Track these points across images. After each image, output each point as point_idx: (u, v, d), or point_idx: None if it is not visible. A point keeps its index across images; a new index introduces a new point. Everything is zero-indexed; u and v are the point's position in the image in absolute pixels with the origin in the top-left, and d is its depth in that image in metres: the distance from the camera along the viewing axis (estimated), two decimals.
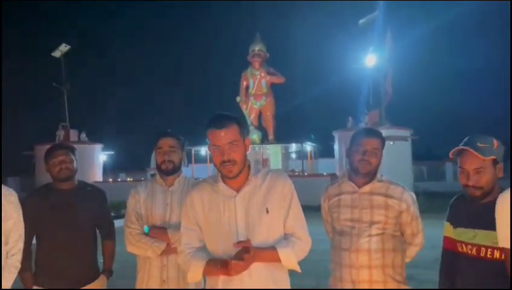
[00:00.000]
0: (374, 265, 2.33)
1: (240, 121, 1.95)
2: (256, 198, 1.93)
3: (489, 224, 1.85)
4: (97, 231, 2.93)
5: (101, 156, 24.06)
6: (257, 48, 23.98)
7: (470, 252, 2.02)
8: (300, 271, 1.96)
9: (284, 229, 1.97)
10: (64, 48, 23.43)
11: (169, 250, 2.48)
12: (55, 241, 2.71)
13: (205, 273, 1.90)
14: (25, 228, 2.68)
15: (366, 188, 2.43)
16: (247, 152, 1.96)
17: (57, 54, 23.42)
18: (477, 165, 1.98)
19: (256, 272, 1.86)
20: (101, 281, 2.83)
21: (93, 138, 23.89)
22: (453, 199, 2.24)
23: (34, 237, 2.78)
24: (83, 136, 23.37)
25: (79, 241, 2.74)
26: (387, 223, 2.38)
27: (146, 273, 2.56)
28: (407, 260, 2.51)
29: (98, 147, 23.81)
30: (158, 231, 2.53)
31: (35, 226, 2.73)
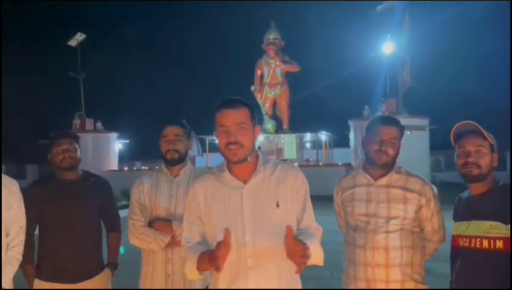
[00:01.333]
0: (391, 264, 2.18)
1: (252, 107, 1.83)
2: (266, 190, 1.79)
3: (482, 214, 1.96)
4: (102, 223, 2.84)
5: (116, 144, 24.19)
6: (272, 36, 23.74)
7: (464, 244, 2.02)
8: (322, 264, 1.81)
9: (299, 224, 1.83)
10: (79, 36, 23.49)
11: (174, 243, 2.36)
12: (58, 233, 2.62)
13: (199, 268, 1.75)
14: (27, 218, 2.60)
15: (383, 180, 2.27)
16: (256, 140, 1.82)
17: (72, 42, 23.50)
18: (478, 144, 2.01)
19: (265, 271, 1.71)
20: (105, 275, 2.74)
21: (109, 127, 24.00)
22: (457, 198, 2.19)
23: (37, 229, 2.70)
24: (99, 125, 23.49)
25: (83, 233, 2.64)
26: (406, 219, 2.22)
27: (150, 266, 2.46)
28: (427, 257, 2.35)
29: (114, 135, 23.92)
30: (162, 223, 2.42)
31: (38, 217, 2.65)
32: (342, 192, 2.40)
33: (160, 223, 2.42)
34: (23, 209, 2.54)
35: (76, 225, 2.62)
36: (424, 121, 19.16)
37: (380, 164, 2.25)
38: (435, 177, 17.44)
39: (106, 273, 2.75)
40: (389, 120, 2.35)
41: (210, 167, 2.00)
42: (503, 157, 20.68)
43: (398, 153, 2.29)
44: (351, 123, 20.75)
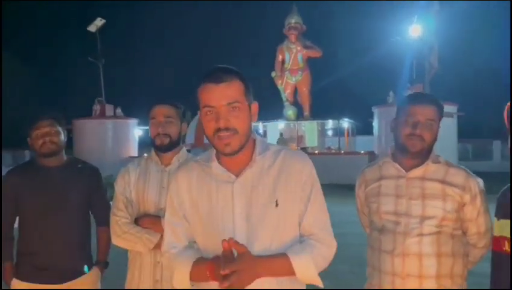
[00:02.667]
0: (425, 274, 1.76)
1: (245, 78, 1.42)
2: (263, 185, 1.41)
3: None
4: (91, 215, 2.51)
5: (136, 131, 24.12)
6: (293, 20, 23.21)
7: (509, 249, 1.59)
8: (321, 285, 1.43)
9: (299, 229, 1.44)
10: (99, 22, 23.33)
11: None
12: (39, 228, 2.31)
13: (193, 279, 1.39)
14: (4, 209, 2.34)
15: (417, 171, 1.84)
16: (253, 122, 1.43)
17: (92, 28, 23.38)
18: None
19: (260, 285, 1.33)
20: (93, 274, 2.42)
21: (129, 113, 23.92)
22: (501, 191, 1.70)
23: (17, 222, 2.39)
24: (119, 111, 23.42)
25: (68, 227, 2.32)
26: (445, 219, 1.79)
27: (137, 270, 2.11)
28: (469, 266, 1.92)
29: (134, 122, 23.83)
30: (150, 220, 2.06)
31: (16, 210, 2.34)
32: (365, 185, 1.98)
33: (148, 220, 2.06)
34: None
35: (60, 218, 2.31)
36: (452, 108, 18.34)
37: (413, 151, 1.82)
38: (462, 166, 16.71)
39: (94, 272, 2.43)
40: (425, 98, 1.90)
41: (193, 157, 1.60)
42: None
43: (435, 139, 1.86)
44: (374, 110, 20.10)
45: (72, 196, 2.35)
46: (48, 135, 2.31)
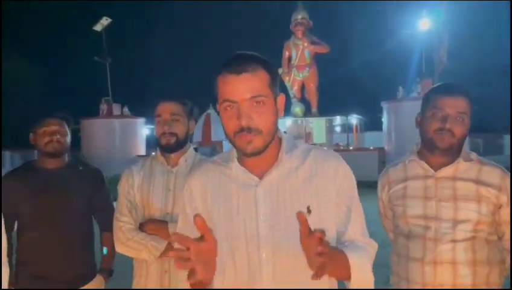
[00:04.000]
0: (460, 284, 1.60)
1: (271, 66, 1.22)
2: (291, 188, 1.23)
3: None
4: (94, 220, 2.38)
5: (143, 130, 24.09)
6: (300, 16, 23.00)
7: None
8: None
9: (340, 238, 1.26)
10: (105, 21, 23.28)
11: (171, 251, 1.84)
12: (38, 233, 2.18)
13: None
14: (3, 215, 2.20)
15: (447, 170, 1.67)
16: (280, 117, 1.24)
17: (98, 27, 23.34)
18: None
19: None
20: (97, 283, 2.28)
21: (136, 112, 23.88)
22: None
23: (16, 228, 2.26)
24: (126, 110, 23.37)
25: (69, 233, 2.20)
26: (480, 223, 1.62)
27: (143, 279, 1.96)
28: (505, 273, 1.75)
29: (141, 121, 23.77)
30: (156, 225, 1.91)
31: (15, 214, 2.21)
32: (389, 186, 1.82)
33: (153, 225, 1.91)
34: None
35: (59, 223, 2.18)
36: None
37: (443, 148, 1.65)
38: None
39: (98, 280, 2.29)
40: (455, 88, 1.72)
41: (209, 158, 1.42)
42: None
43: (467, 134, 1.69)
44: (384, 105, 19.83)
45: (73, 200, 2.23)
46: (56, 133, 2.20)
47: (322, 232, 1.00)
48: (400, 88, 19.20)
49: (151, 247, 1.88)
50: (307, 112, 23.03)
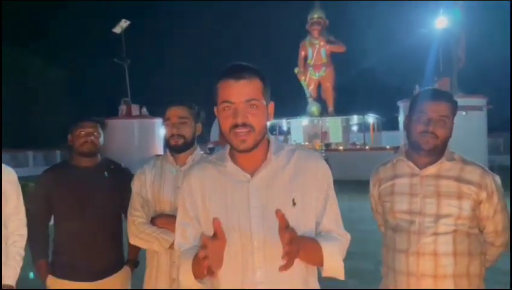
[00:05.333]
0: (441, 274, 1.74)
1: (265, 77, 1.42)
2: (278, 184, 1.41)
3: None
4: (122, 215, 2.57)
5: (161, 130, 24.48)
6: (316, 15, 23.05)
7: None
8: (343, 278, 1.44)
9: (317, 227, 1.46)
10: (124, 23, 23.75)
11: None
12: (72, 227, 2.37)
13: (196, 275, 1.38)
14: (40, 209, 2.43)
15: (431, 169, 1.82)
16: (269, 121, 1.44)
17: (117, 30, 23.82)
18: None
19: (276, 285, 1.36)
20: (124, 273, 2.46)
21: (154, 113, 24.28)
22: None
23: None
24: (144, 110, 23.82)
25: (100, 227, 2.37)
26: (461, 217, 1.76)
27: (154, 270, 2.15)
28: (487, 265, 1.89)
29: (159, 121, 24.10)
30: (166, 219, 2.08)
31: (50, 209, 2.43)
32: (379, 184, 1.97)
33: (163, 220, 2.09)
34: (22, 201, 2.34)
35: (90, 217, 2.35)
36: (481, 101, 17.79)
37: (427, 149, 1.80)
38: (493, 160, 16.20)
39: (125, 271, 2.48)
40: (437, 94, 1.87)
41: (206, 157, 1.61)
42: None
43: (449, 136, 1.82)
44: (400, 104, 19.69)
45: (104, 197, 2.39)
46: (90, 135, 2.39)
47: (293, 231, 1.23)
48: (417, 87, 19.03)
49: (162, 239, 2.06)
50: (323, 112, 23.03)
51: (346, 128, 24.08)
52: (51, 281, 2.40)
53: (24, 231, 2.34)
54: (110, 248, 2.44)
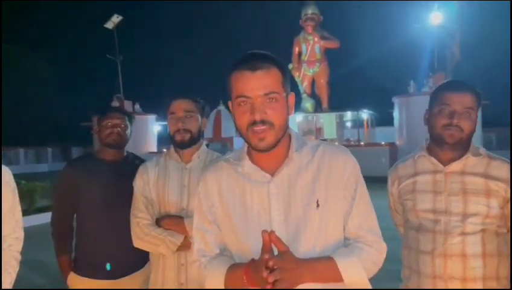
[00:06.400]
0: (470, 276, 1.63)
1: (283, 65, 1.27)
2: (301, 184, 1.28)
3: None
4: None
5: (155, 126, 24.27)
6: (310, 11, 22.90)
7: None
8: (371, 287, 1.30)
9: (344, 231, 1.32)
10: (116, 18, 23.46)
11: (187, 245, 1.90)
12: (95, 222, 2.26)
13: (228, 286, 1.27)
14: (64, 203, 2.33)
15: (456, 165, 1.70)
16: (291, 115, 1.30)
17: (109, 25, 23.53)
18: None
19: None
20: (147, 271, 2.30)
21: (147, 109, 24.06)
22: None
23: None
24: (137, 107, 23.60)
25: (123, 223, 2.18)
26: (489, 216, 1.65)
27: (160, 274, 2.01)
28: None
29: (152, 117, 23.99)
30: (173, 221, 1.96)
31: (73, 202, 2.31)
32: (399, 181, 1.85)
33: (169, 221, 1.96)
34: (18, 201, 2.19)
35: (114, 213, 2.23)
36: None
37: (451, 143, 1.68)
38: None
39: (148, 269, 2.33)
40: (461, 85, 1.75)
41: (221, 156, 1.47)
42: None
43: (474, 129, 1.71)
44: (395, 100, 19.70)
45: (127, 191, 2.22)
46: (117, 126, 2.30)
47: (285, 256, 1.14)
48: (412, 83, 19.04)
49: (169, 242, 1.92)
50: (318, 108, 22.97)
51: (341, 125, 24.04)
52: (73, 278, 2.30)
53: (20, 234, 2.20)
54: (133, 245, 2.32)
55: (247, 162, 1.31)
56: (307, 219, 1.26)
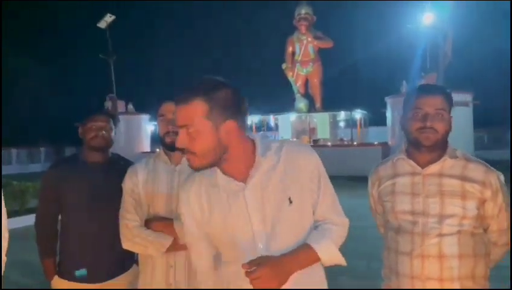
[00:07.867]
0: (446, 277, 1.69)
1: (213, 97, 1.34)
2: (272, 186, 1.40)
3: None
4: None
5: (148, 126, 24.25)
6: (303, 11, 23.00)
7: None
8: (345, 264, 1.50)
9: (314, 217, 1.49)
10: (109, 18, 23.44)
11: (176, 247, 1.94)
12: (79, 225, 2.28)
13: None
14: (49, 205, 2.35)
15: (434, 167, 1.76)
16: (229, 141, 1.40)
17: (102, 24, 23.49)
18: None
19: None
20: (133, 272, 2.37)
21: (141, 109, 24.03)
22: None
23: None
24: (130, 106, 23.57)
25: (108, 225, 2.23)
26: (466, 218, 1.71)
27: (148, 275, 2.04)
28: (491, 264, 1.84)
29: (145, 117, 23.96)
30: (162, 223, 1.99)
31: (57, 204, 2.33)
32: (379, 183, 1.91)
33: (159, 223, 1.99)
34: (2, 201, 2.22)
35: (99, 215, 2.26)
36: (467, 96, 18.00)
37: (428, 145, 1.74)
38: (479, 156, 16.26)
39: (134, 271, 2.37)
40: (431, 88, 1.81)
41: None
42: None
43: (449, 129, 1.77)
44: (387, 100, 19.83)
45: (113, 193, 2.26)
46: (102, 129, 2.32)
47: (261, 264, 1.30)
48: (404, 82, 19.19)
49: (158, 243, 1.96)
50: (311, 107, 23.06)
51: (334, 124, 24.15)
52: (57, 281, 2.32)
53: (5, 235, 2.23)
54: (120, 247, 2.30)
55: (219, 174, 1.42)
56: (283, 215, 1.39)
